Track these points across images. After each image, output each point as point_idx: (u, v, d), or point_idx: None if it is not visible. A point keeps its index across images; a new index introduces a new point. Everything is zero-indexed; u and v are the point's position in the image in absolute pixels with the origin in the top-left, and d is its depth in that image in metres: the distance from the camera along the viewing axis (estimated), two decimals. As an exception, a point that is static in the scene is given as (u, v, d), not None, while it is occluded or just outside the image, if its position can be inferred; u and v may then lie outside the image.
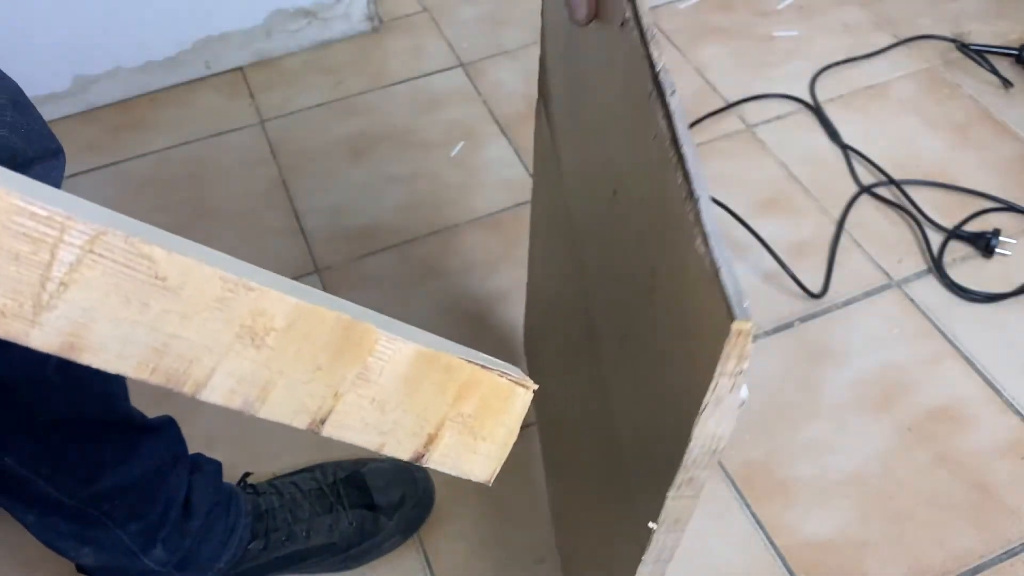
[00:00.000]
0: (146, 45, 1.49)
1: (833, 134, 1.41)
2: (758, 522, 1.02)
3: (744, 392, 0.38)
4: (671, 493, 0.44)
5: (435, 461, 0.38)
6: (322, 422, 0.35)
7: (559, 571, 0.97)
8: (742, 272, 1.24)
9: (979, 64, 1.48)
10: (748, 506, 1.03)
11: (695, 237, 0.37)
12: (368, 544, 0.99)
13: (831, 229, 1.29)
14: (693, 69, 1.53)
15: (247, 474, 1.01)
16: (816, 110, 1.45)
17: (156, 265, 0.30)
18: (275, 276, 0.36)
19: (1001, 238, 1.23)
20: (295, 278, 1.26)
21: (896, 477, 1.05)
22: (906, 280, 1.23)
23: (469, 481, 0.40)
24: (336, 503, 0.98)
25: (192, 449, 0.87)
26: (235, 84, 1.55)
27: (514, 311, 1.21)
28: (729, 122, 1.44)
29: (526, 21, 1.64)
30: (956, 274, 1.22)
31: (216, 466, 0.91)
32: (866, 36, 1.56)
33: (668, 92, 0.41)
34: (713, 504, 1.03)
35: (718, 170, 1.37)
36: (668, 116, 0.40)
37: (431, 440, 0.38)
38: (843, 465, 1.06)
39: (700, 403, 0.38)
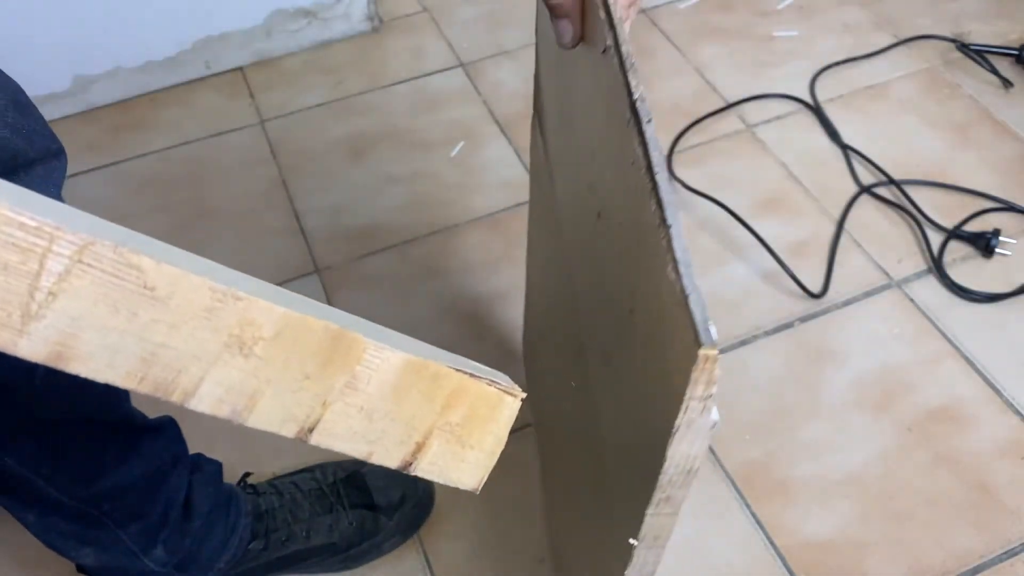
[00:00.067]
0: (146, 45, 1.49)
1: (833, 134, 1.41)
2: (758, 522, 1.02)
3: (715, 414, 0.39)
4: (649, 511, 0.45)
5: (423, 470, 0.38)
6: (310, 431, 0.35)
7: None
8: (742, 272, 1.24)
9: (979, 64, 1.48)
10: (748, 506, 1.03)
11: (667, 263, 0.38)
12: (368, 544, 0.99)
13: (831, 229, 1.29)
14: (693, 69, 1.53)
15: (247, 474, 1.01)
16: (816, 110, 1.45)
17: (145, 275, 0.30)
18: (264, 285, 0.36)
19: (1001, 238, 1.24)
20: (295, 278, 1.26)
21: (896, 477, 1.05)
22: (906, 280, 1.23)
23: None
24: (336, 503, 0.99)
25: (192, 449, 0.87)
26: (235, 84, 1.55)
27: (514, 311, 1.21)
28: (729, 122, 1.44)
29: (526, 21, 1.64)
30: (956, 274, 1.22)
31: (216, 466, 0.91)
32: (866, 36, 1.56)
33: (644, 120, 0.42)
34: (713, 504, 1.03)
35: (718, 170, 1.37)
36: (644, 144, 0.41)
37: (419, 449, 0.38)
38: (843, 465, 1.06)
39: (672, 425, 0.39)
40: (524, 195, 1.34)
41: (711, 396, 0.37)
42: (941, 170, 1.35)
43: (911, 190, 1.32)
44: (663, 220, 0.39)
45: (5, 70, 0.62)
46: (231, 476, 0.96)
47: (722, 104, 1.46)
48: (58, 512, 0.75)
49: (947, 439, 1.07)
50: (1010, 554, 0.98)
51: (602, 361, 0.57)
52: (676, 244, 0.38)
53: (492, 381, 0.39)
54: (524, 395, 0.40)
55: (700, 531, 1.01)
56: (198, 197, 1.38)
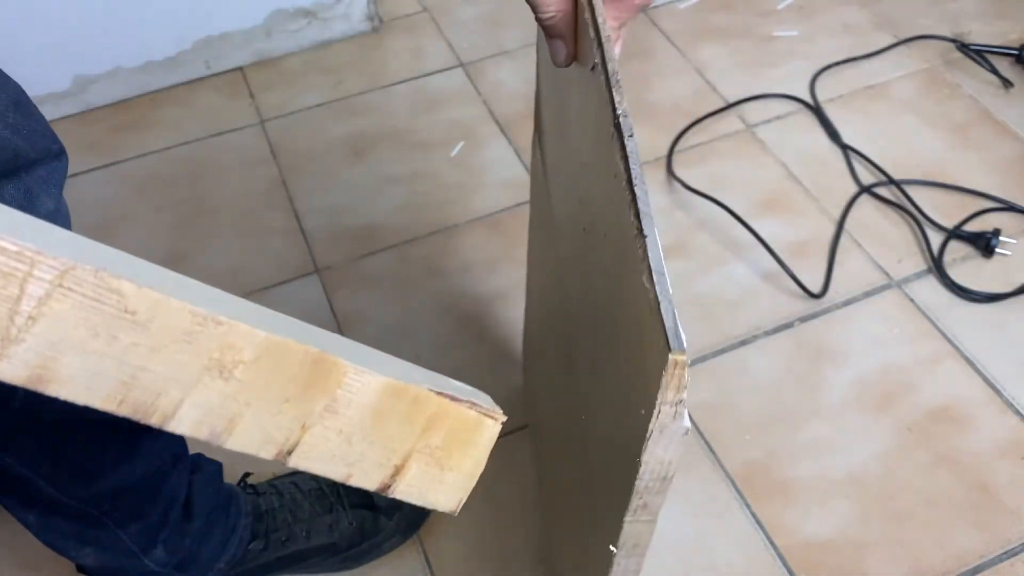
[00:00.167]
0: (146, 45, 1.49)
1: (833, 134, 1.41)
2: (758, 522, 1.02)
3: (687, 420, 0.40)
4: (628, 517, 0.46)
5: (401, 492, 0.38)
6: (288, 453, 0.35)
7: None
8: (742, 272, 1.24)
9: (979, 64, 1.48)
10: (748, 506, 1.03)
11: (642, 272, 0.39)
12: (368, 544, 0.99)
13: (831, 229, 1.29)
14: (693, 69, 1.53)
15: (247, 474, 1.01)
16: (816, 110, 1.45)
17: (125, 299, 0.30)
18: (248, 306, 0.36)
19: (1001, 238, 1.24)
20: (295, 278, 1.26)
21: (896, 477, 1.05)
22: (906, 280, 1.23)
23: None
24: (336, 503, 0.99)
25: (192, 449, 0.87)
26: (235, 84, 1.55)
27: (514, 311, 1.21)
28: (729, 122, 1.44)
29: (526, 21, 1.64)
30: (956, 274, 1.22)
31: (216, 466, 0.91)
32: (866, 36, 1.56)
33: (626, 134, 0.43)
34: (713, 504, 1.03)
35: (718, 170, 1.37)
36: (625, 158, 0.42)
37: (397, 471, 0.38)
38: (843, 465, 1.06)
39: (647, 431, 0.40)
40: (524, 195, 1.34)
41: (682, 401, 0.38)
42: (941, 170, 1.35)
43: (911, 190, 1.32)
44: (640, 230, 0.40)
45: (5, 70, 0.62)
46: (231, 476, 0.96)
47: (722, 104, 1.46)
48: (58, 512, 0.75)
49: (947, 439, 1.07)
50: (1010, 554, 0.98)
51: (590, 370, 0.58)
52: (651, 253, 0.39)
53: (473, 403, 0.39)
54: (504, 418, 0.40)
55: (700, 531, 1.01)
56: (198, 197, 1.38)
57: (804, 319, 1.19)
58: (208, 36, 1.52)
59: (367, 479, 0.37)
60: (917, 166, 1.36)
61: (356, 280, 1.26)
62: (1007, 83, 1.46)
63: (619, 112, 0.44)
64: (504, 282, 1.25)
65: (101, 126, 1.49)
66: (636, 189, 0.41)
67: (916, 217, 1.29)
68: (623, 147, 0.43)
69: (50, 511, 0.75)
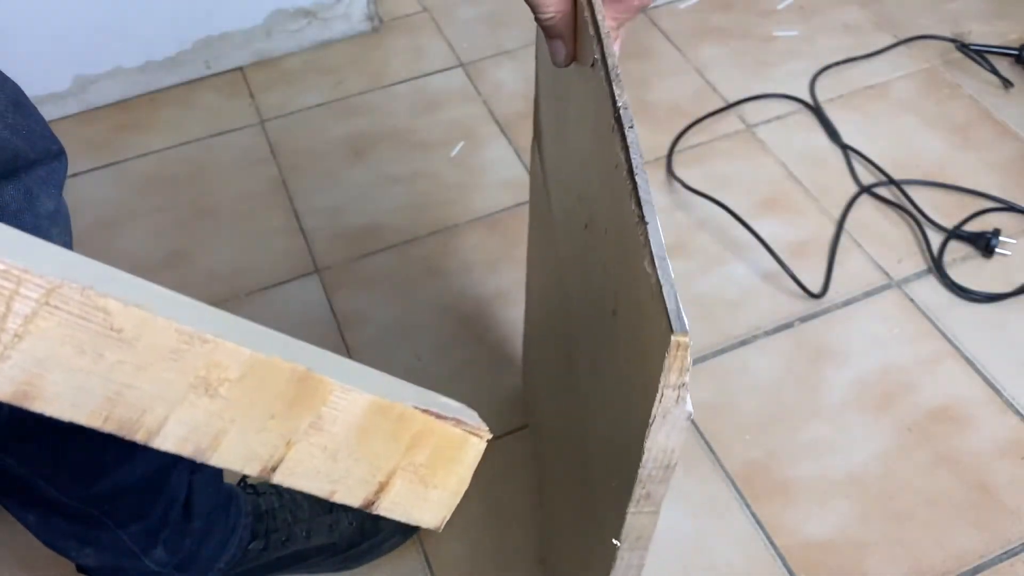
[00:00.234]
0: (146, 45, 1.49)
1: (833, 134, 1.41)
2: (758, 522, 1.02)
3: (689, 405, 0.40)
4: (631, 509, 0.46)
5: (385, 508, 0.39)
6: (273, 470, 0.35)
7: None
8: (742, 272, 1.24)
9: (979, 64, 1.48)
10: (748, 506, 1.03)
11: (644, 258, 0.39)
12: (368, 544, 0.99)
13: (831, 229, 1.29)
14: (693, 69, 1.53)
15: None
16: (816, 110, 1.45)
17: (112, 317, 0.30)
18: (236, 321, 0.36)
19: (1001, 238, 1.24)
20: (295, 278, 1.26)
21: (896, 477, 1.05)
22: (906, 280, 1.23)
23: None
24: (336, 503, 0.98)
25: (192, 449, 0.87)
26: (235, 84, 1.55)
27: (514, 311, 1.21)
28: (729, 122, 1.44)
29: (526, 21, 1.63)
30: (956, 274, 1.22)
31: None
32: (866, 36, 1.56)
33: (627, 125, 0.43)
34: (713, 504, 1.03)
35: (718, 170, 1.37)
36: (626, 148, 0.43)
37: (382, 488, 0.38)
38: (843, 465, 1.06)
39: (649, 416, 0.40)
40: (524, 195, 1.34)
41: (684, 384, 0.38)
42: (941, 170, 1.35)
43: (911, 190, 1.32)
44: (641, 217, 0.40)
45: (5, 70, 0.62)
46: (231, 476, 0.96)
47: (722, 104, 1.46)
48: (58, 512, 0.75)
49: (947, 439, 1.07)
50: (1010, 554, 0.98)
51: (590, 369, 0.58)
52: (653, 239, 0.39)
53: (459, 421, 0.39)
54: (490, 436, 0.40)
55: (700, 531, 1.01)
56: (198, 197, 1.38)
57: (804, 319, 1.19)
58: (208, 36, 1.52)
59: (351, 496, 0.38)
60: (917, 166, 1.36)
61: (356, 280, 1.26)
62: (1007, 83, 1.46)
63: (619, 105, 0.44)
64: (504, 282, 1.25)
65: (101, 126, 1.49)
66: (637, 178, 0.42)
67: (916, 217, 1.29)
68: (623, 137, 0.43)
69: (50, 511, 0.75)
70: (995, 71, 1.47)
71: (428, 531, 1.02)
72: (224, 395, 0.33)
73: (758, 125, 1.44)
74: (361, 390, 0.36)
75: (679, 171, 1.36)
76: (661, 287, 0.38)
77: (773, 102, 1.47)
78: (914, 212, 1.29)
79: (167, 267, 1.28)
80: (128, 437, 0.32)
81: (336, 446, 0.36)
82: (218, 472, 0.91)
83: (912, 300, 1.20)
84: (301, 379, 0.34)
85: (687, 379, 0.38)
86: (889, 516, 1.02)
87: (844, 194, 1.33)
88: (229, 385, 0.33)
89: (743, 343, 1.17)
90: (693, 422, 1.10)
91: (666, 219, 1.31)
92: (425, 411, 0.37)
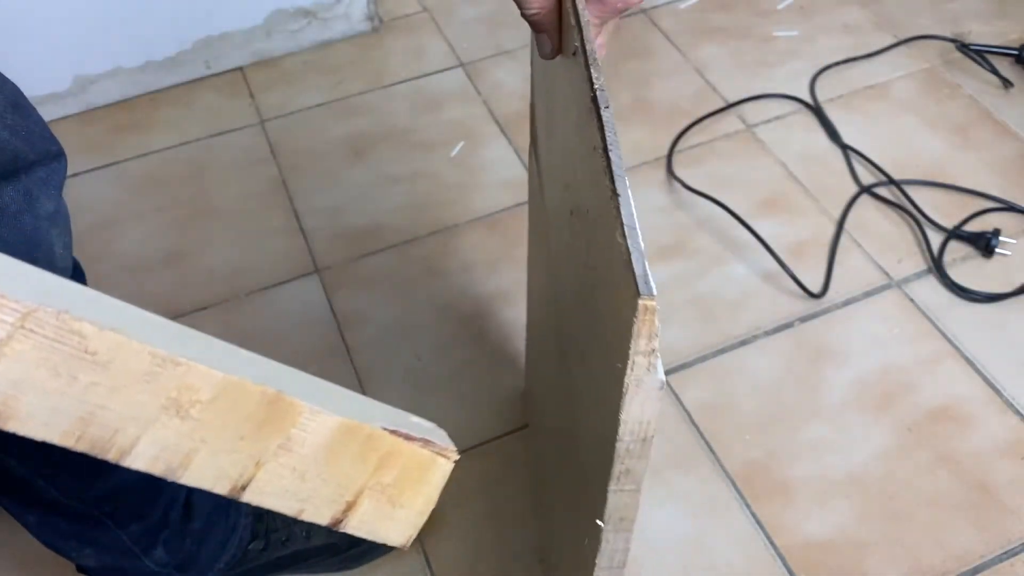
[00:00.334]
0: (146, 45, 1.49)
1: (833, 134, 1.41)
2: (758, 522, 1.02)
3: (661, 374, 0.40)
4: (612, 486, 0.46)
5: (352, 527, 0.39)
6: (243, 489, 0.36)
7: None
8: (742, 272, 1.24)
9: (979, 64, 1.48)
10: (748, 506, 1.03)
11: (616, 230, 0.40)
12: (368, 544, 0.99)
13: (831, 229, 1.29)
14: (693, 69, 1.53)
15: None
16: (816, 110, 1.45)
17: (87, 340, 0.31)
18: (210, 343, 0.37)
19: (1001, 238, 1.24)
20: (295, 278, 1.26)
21: (896, 477, 1.05)
22: (906, 280, 1.23)
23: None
24: (336, 503, 0.98)
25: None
26: (235, 84, 1.55)
27: (514, 311, 1.21)
28: (729, 122, 1.44)
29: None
30: (956, 274, 1.22)
31: (216, 466, 0.91)
32: (866, 36, 1.56)
33: (603, 106, 0.45)
34: (713, 504, 1.03)
35: (718, 170, 1.37)
36: (601, 128, 0.44)
37: (349, 507, 0.39)
38: (843, 465, 1.06)
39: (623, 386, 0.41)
40: (524, 195, 1.34)
41: (655, 351, 0.39)
42: (941, 170, 1.35)
43: (911, 190, 1.32)
44: (614, 191, 0.41)
45: (5, 70, 0.62)
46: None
47: (722, 104, 1.46)
48: (58, 513, 0.75)
49: (947, 439, 1.07)
50: (1010, 554, 0.98)
51: (579, 358, 0.58)
52: (624, 211, 0.40)
53: (427, 442, 0.40)
54: (457, 457, 0.41)
55: (700, 531, 1.01)
56: (198, 197, 1.38)
57: (804, 319, 1.19)
58: (208, 36, 1.52)
59: (319, 514, 0.38)
60: (917, 166, 1.36)
61: (356, 280, 1.26)
62: (1007, 83, 1.45)
63: (596, 87, 0.45)
64: (504, 282, 1.25)
65: (101, 126, 1.49)
66: (611, 154, 0.42)
67: (916, 217, 1.29)
68: (599, 117, 0.44)
69: (50, 512, 0.75)
70: (995, 71, 1.47)
71: (428, 531, 1.02)
72: (195, 416, 0.34)
73: (758, 125, 1.44)
74: (330, 412, 0.36)
75: (679, 171, 1.36)
76: (631, 255, 0.38)
77: (773, 102, 1.47)
78: (914, 212, 1.29)
79: (167, 267, 1.28)
80: (100, 456, 0.33)
81: (305, 466, 0.37)
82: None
83: (912, 300, 1.20)
84: (271, 401, 0.35)
85: (656, 345, 0.38)
86: (889, 516, 1.02)
87: (844, 194, 1.33)
88: (201, 407, 0.34)
89: (743, 343, 1.17)
90: (693, 422, 1.10)
91: (666, 219, 1.31)
92: (393, 432, 0.38)
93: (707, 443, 1.08)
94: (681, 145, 1.41)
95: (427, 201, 1.36)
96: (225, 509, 0.90)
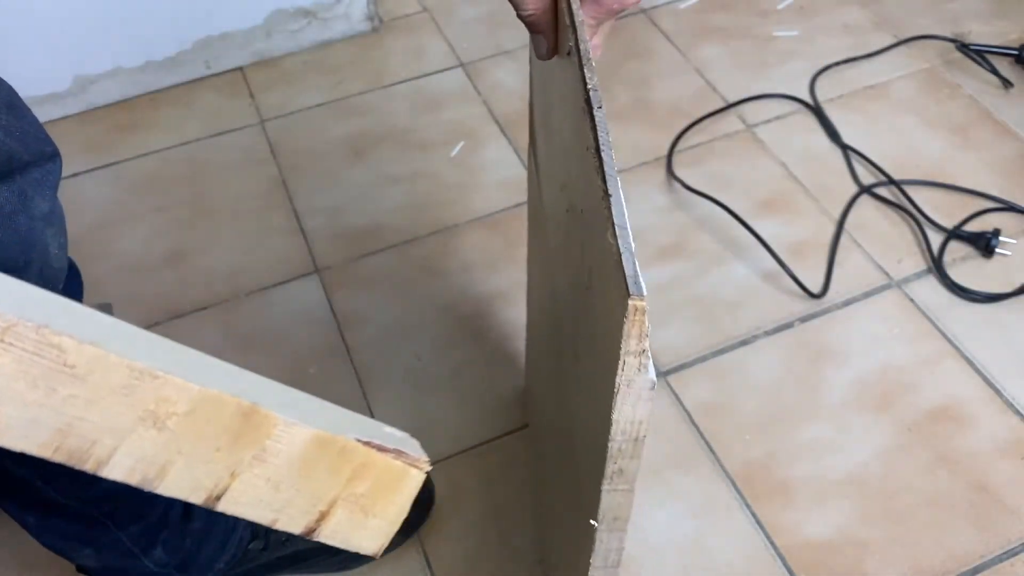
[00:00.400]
0: (146, 45, 1.49)
1: (833, 134, 1.41)
2: (758, 522, 1.02)
3: (652, 374, 0.40)
4: (605, 486, 0.47)
5: (325, 536, 0.40)
6: (217, 499, 0.37)
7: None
8: (742, 272, 1.24)
9: (979, 64, 1.48)
10: (748, 506, 1.03)
11: (608, 230, 0.40)
12: (368, 544, 0.99)
13: (831, 229, 1.29)
14: (693, 69, 1.53)
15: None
16: (816, 110, 1.45)
17: (65, 354, 0.31)
18: (189, 355, 0.37)
19: (1001, 238, 1.23)
20: (295, 278, 1.26)
21: (896, 477, 1.05)
22: (906, 280, 1.23)
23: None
24: (336, 503, 0.98)
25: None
26: (235, 84, 1.55)
27: (514, 311, 1.21)
28: (729, 122, 1.44)
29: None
30: (956, 274, 1.22)
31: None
32: (866, 36, 1.56)
33: (595, 106, 0.45)
34: (713, 504, 1.03)
35: (718, 170, 1.37)
36: (594, 128, 0.44)
37: (323, 517, 0.40)
38: (843, 465, 1.06)
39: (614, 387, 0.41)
40: (524, 195, 1.34)
41: (645, 351, 0.39)
42: (941, 170, 1.35)
43: (911, 190, 1.32)
44: (606, 191, 0.41)
45: (5, 69, 0.62)
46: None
47: (722, 104, 1.46)
48: (58, 514, 0.75)
49: (947, 439, 1.07)
50: (1010, 554, 0.98)
51: (573, 360, 0.59)
52: (615, 211, 0.41)
53: (400, 452, 0.40)
54: (430, 467, 0.42)
55: (700, 531, 1.01)
56: (198, 197, 1.38)
57: (804, 319, 1.19)
58: (208, 36, 1.52)
59: (292, 524, 0.39)
60: (917, 166, 1.36)
61: (356, 280, 1.26)
62: (1007, 83, 1.45)
63: (590, 87, 0.45)
64: (504, 282, 1.25)
65: (101, 126, 1.49)
66: (603, 155, 0.43)
67: (916, 217, 1.29)
68: (592, 117, 0.45)
69: (50, 513, 0.75)
70: (995, 71, 1.47)
71: (428, 531, 1.02)
72: (172, 428, 0.34)
73: (758, 125, 1.44)
74: (304, 424, 0.37)
75: (679, 171, 1.36)
76: (621, 255, 0.39)
77: (773, 102, 1.47)
78: (914, 212, 1.29)
79: (167, 267, 1.28)
80: (78, 467, 0.33)
81: (279, 477, 0.37)
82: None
83: (912, 300, 1.20)
84: (246, 413, 0.35)
85: (647, 345, 0.39)
86: (889, 516, 1.02)
87: (844, 194, 1.33)
88: (177, 419, 0.34)
89: (743, 343, 1.17)
90: (693, 422, 1.10)
91: (666, 219, 1.31)
92: (367, 443, 0.39)
93: (707, 443, 1.08)
94: (681, 145, 1.41)
95: (427, 201, 1.36)
96: (225, 509, 0.90)
